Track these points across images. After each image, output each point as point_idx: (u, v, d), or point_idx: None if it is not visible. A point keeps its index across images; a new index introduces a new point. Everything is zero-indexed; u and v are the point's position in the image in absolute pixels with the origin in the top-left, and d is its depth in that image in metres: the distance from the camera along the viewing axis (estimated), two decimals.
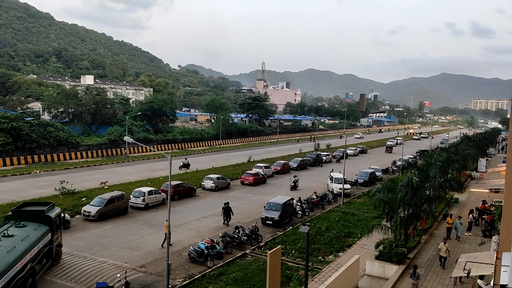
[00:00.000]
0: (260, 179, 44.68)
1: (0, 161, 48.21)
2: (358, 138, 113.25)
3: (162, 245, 23.94)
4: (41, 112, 72.17)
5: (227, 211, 29.15)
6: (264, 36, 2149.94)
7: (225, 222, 29.17)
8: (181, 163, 51.90)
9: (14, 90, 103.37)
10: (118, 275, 18.26)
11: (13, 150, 50.37)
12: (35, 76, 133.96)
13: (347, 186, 40.33)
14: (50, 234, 19.91)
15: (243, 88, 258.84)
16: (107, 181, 39.93)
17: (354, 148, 76.65)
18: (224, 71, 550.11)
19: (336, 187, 39.88)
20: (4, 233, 17.56)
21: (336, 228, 28.49)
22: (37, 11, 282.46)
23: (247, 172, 45.28)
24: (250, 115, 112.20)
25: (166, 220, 24.05)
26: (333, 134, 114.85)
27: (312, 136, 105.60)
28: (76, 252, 22.60)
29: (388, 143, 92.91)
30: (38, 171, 45.75)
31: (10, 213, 20.45)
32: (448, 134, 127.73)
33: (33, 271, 17.83)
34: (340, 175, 40.35)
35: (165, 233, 23.57)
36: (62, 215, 22.66)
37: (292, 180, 42.58)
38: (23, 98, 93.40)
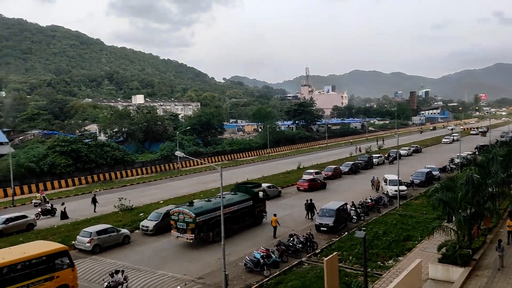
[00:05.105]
0: (316, 185, 43.83)
1: (63, 182, 51.14)
2: (451, 129, 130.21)
3: (274, 236, 27.79)
4: (97, 133, 75.91)
5: (310, 207, 32.64)
6: (306, 42, 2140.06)
7: (308, 216, 32.64)
8: (46, 209, 35.77)
9: (72, 114, 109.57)
10: (178, 287, 18.73)
11: (74, 171, 53.29)
12: (90, 99, 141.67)
13: (403, 187, 38.97)
14: (251, 201, 30.35)
15: (288, 95, 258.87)
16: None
17: (407, 148, 74.12)
18: (268, 80, 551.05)
19: (391, 189, 38.66)
20: (222, 196, 25.91)
21: (394, 232, 27.54)
22: (88, 38, 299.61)
23: (302, 178, 45.26)
24: (297, 122, 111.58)
25: (274, 215, 28.79)
26: (385, 135, 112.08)
27: (380, 137, 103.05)
28: (137, 266, 23.35)
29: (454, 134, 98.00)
30: (98, 190, 47.94)
31: (234, 187, 33.23)
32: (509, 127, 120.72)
33: (234, 220, 28.39)
34: (395, 177, 39.05)
35: (273, 227, 28.37)
36: (265, 192, 33.27)
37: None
38: (80, 121, 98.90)
